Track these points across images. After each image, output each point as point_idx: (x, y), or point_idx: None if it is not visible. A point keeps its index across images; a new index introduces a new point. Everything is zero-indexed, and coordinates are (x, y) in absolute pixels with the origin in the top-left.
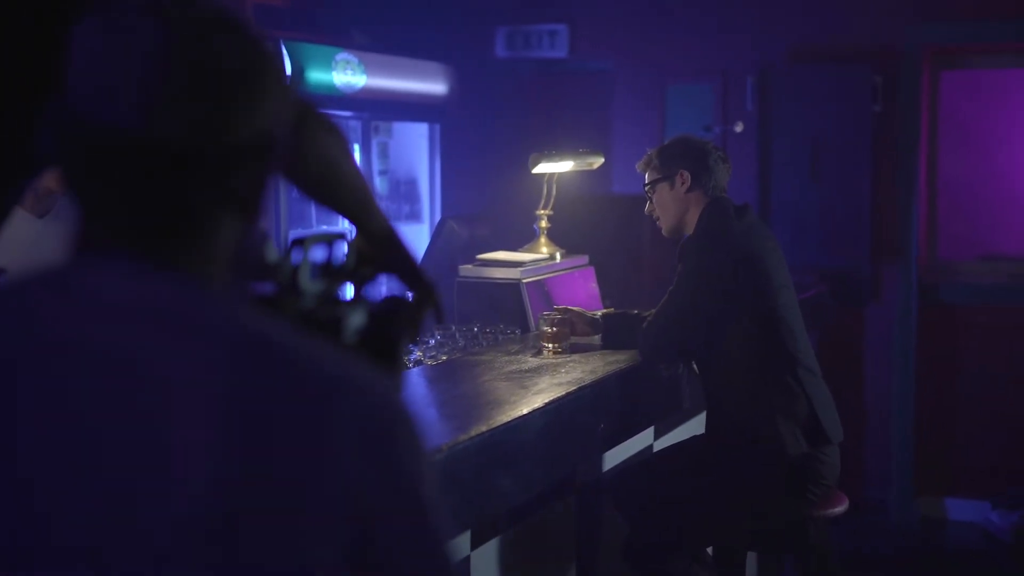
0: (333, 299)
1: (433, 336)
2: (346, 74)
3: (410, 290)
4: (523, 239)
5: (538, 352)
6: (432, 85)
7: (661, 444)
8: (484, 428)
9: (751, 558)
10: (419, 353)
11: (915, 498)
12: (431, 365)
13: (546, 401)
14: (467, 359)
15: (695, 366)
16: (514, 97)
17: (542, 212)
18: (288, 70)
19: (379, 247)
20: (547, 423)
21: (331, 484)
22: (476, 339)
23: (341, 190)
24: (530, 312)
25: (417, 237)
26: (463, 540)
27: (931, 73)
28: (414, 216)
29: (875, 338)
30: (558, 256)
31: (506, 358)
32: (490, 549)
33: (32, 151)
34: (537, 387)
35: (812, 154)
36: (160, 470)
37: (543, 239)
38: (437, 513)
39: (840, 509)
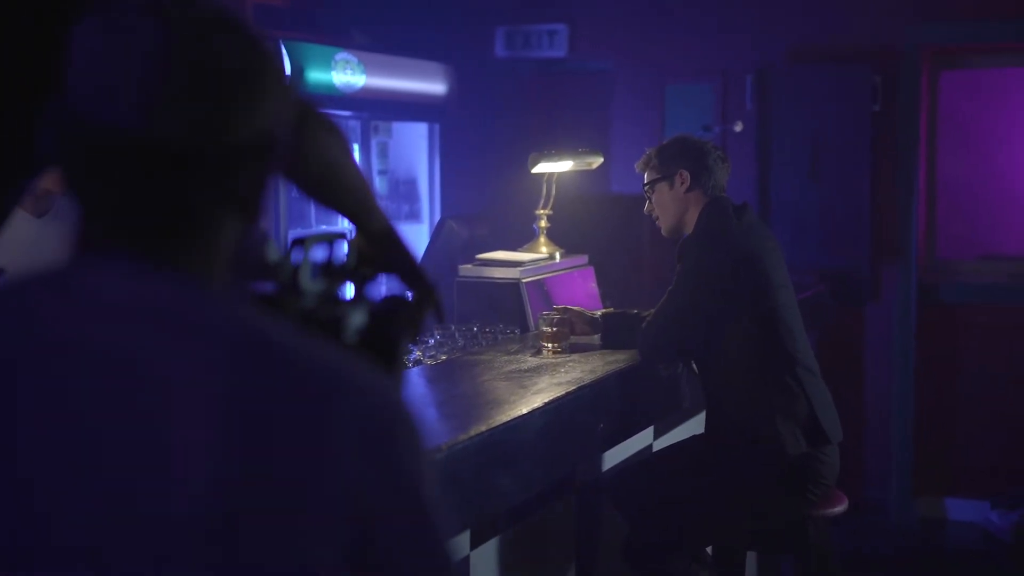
0: (333, 299)
1: (432, 336)
2: (345, 74)
3: (410, 290)
4: (522, 239)
5: (537, 352)
6: (431, 85)
7: (661, 444)
8: (483, 428)
9: (751, 558)
10: (418, 353)
11: (915, 498)
12: (430, 365)
13: (545, 401)
14: (466, 359)
15: (694, 366)
16: (513, 97)
17: (541, 212)
18: (288, 70)
19: (379, 247)
20: (546, 423)
21: (331, 484)
22: (475, 339)
23: (341, 190)
24: (529, 312)
25: (416, 237)
26: (462, 540)
27: (930, 73)
28: (413, 216)
29: (875, 338)
30: (557, 256)
31: (505, 358)
32: (489, 549)
33: (32, 151)
34: (536, 387)
35: (812, 154)
36: (160, 470)
37: (542, 239)
38: (437, 513)
39: (840, 509)
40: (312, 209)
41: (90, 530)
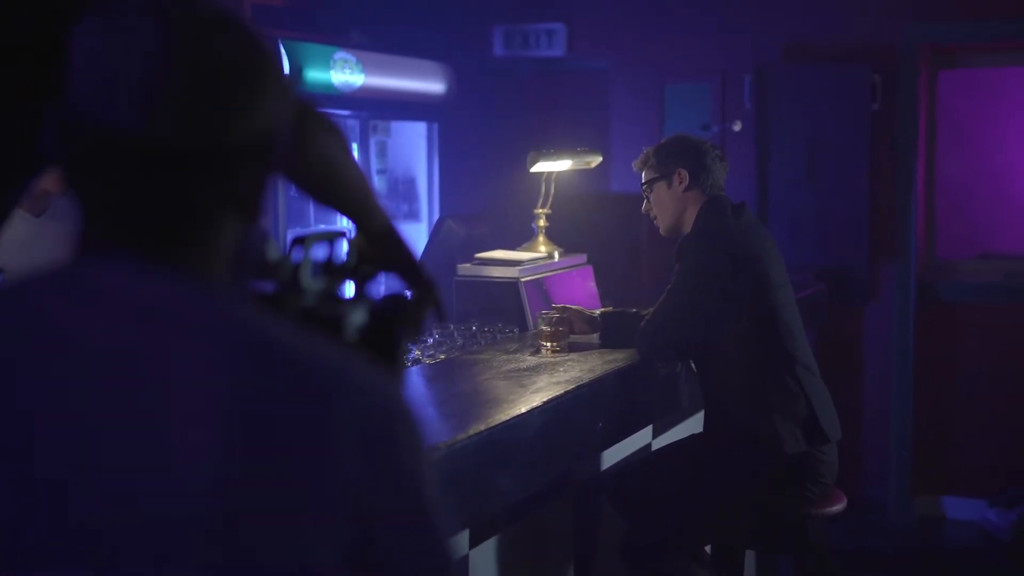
0: (334, 297)
1: (431, 335)
2: (344, 73)
3: (411, 288)
4: (521, 238)
5: (536, 351)
6: (430, 84)
7: (659, 443)
8: (482, 427)
9: (749, 557)
10: (417, 352)
11: (913, 496)
12: (429, 364)
13: (544, 400)
14: (465, 358)
15: (693, 365)
16: (512, 96)
17: (540, 211)
18: (286, 69)
19: (380, 245)
20: (545, 422)
21: (331, 484)
22: (474, 338)
23: (341, 189)
24: (528, 311)
25: (415, 236)
26: (461, 538)
27: (929, 72)
28: (412, 215)
29: (873, 337)
30: (556, 255)
31: (504, 357)
32: (488, 548)
33: (32, 151)
34: (535, 386)
35: (810, 153)
36: (160, 470)
37: (541, 238)
38: (437, 512)
39: (838, 508)
40: (311, 208)
41: (90, 530)
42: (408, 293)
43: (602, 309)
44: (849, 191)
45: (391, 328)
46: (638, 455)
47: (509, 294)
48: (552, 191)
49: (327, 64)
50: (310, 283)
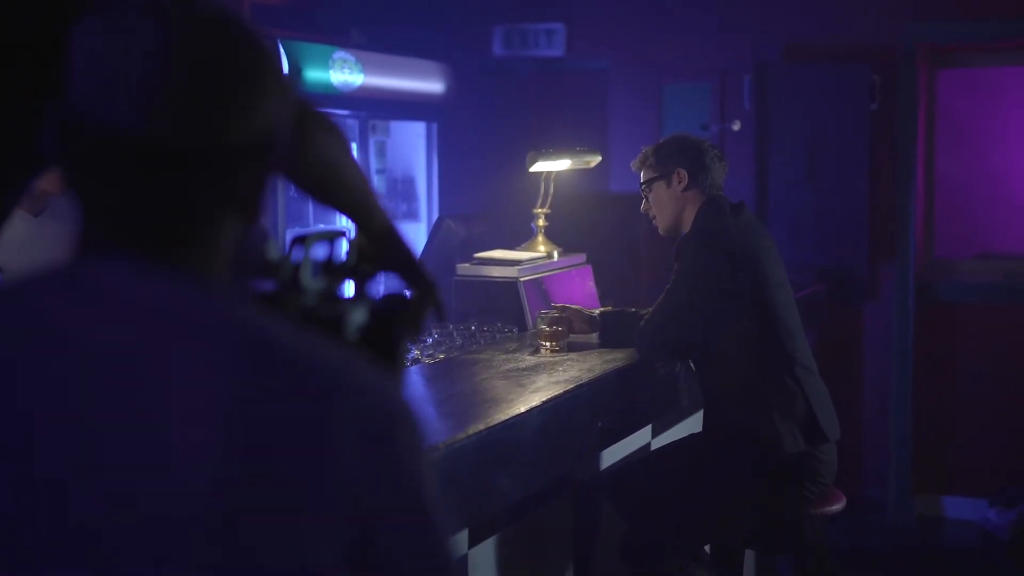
0: (334, 297)
1: (431, 335)
2: (343, 73)
3: (411, 288)
4: (521, 237)
5: (536, 350)
6: (429, 84)
7: (659, 442)
8: (482, 426)
9: (749, 556)
10: (417, 351)
11: (912, 496)
12: (428, 363)
13: (544, 399)
14: (465, 357)
15: (692, 364)
16: (511, 96)
17: (539, 211)
18: (285, 69)
19: (380, 245)
20: (545, 421)
21: (331, 484)
22: (474, 337)
23: (341, 189)
24: (528, 310)
25: (414, 236)
26: (461, 538)
27: (928, 72)
28: (411, 215)
29: (872, 337)
30: (555, 254)
31: (504, 356)
32: (488, 547)
33: (32, 151)
34: (535, 385)
35: (809, 153)
36: (160, 470)
37: (540, 237)
38: (437, 512)
39: (837, 507)
40: (311, 208)
41: (90, 530)
42: (408, 293)
43: (601, 309)
44: (849, 191)
45: (391, 328)
46: (637, 455)
47: (508, 294)
48: (551, 191)
49: (326, 64)
50: (310, 283)
